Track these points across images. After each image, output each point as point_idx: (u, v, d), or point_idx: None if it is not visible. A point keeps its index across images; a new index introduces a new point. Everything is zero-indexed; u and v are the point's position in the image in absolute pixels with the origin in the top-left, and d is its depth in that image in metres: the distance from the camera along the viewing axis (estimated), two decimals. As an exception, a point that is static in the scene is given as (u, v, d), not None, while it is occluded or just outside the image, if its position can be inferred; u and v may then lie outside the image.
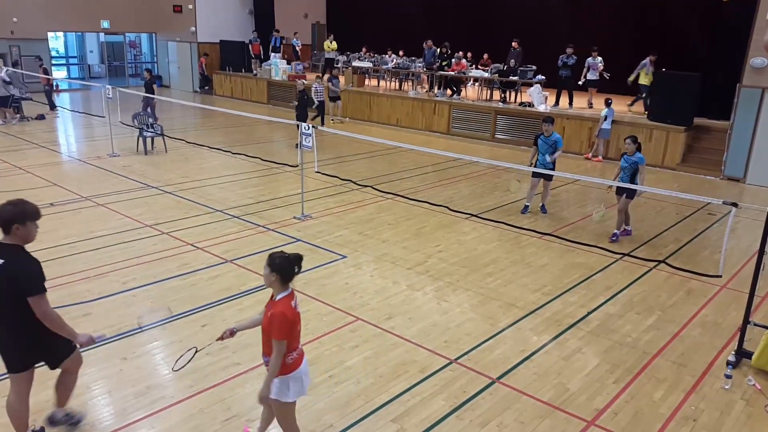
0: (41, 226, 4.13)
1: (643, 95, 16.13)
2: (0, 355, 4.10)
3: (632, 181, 8.77)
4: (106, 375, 5.20)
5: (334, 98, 18.77)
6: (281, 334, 3.70)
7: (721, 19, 15.49)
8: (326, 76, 19.43)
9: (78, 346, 4.17)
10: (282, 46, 24.33)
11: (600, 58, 16.26)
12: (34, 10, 23.69)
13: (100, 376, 5.17)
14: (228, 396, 4.96)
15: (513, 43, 18.35)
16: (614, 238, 8.95)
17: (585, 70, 16.44)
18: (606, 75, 16.37)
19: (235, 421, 4.65)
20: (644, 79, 16.00)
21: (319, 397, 4.95)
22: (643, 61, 15.99)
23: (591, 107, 16.57)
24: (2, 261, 3.85)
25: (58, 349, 4.19)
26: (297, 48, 25.06)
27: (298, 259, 3.86)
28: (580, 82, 16.65)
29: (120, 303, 6.53)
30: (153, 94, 16.09)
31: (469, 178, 12.82)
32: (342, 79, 20.14)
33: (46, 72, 19.64)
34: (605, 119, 14.44)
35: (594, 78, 16.41)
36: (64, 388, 4.46)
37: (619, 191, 9.00)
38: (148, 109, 16.17)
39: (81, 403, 4.79)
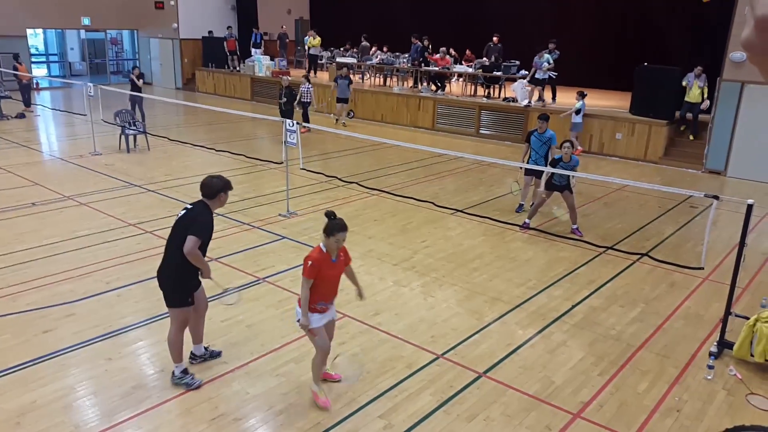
0: (24, 226, 4.11)
1: (687, 115, 14.38)
2: (163, 293, 4.94)
3: (568, 178, 8.82)
4: (92, 376, 5.16)
5: (342, 100, 17.57)
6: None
7: (700, 15, 15.66)
8: (321, 74, 18.96)
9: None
10: (263, 41, 24.12)
11: (547, 56, 15.74)
12: (12, 6, 23.28)
13: (86, 377, 5.14)
14: (215, 395, 4.95)
15: (494, 38, 18.39)
16: (579, 233, 9.00)
17: (532, 70, 15.96)
18: (553, 74, 16.01)
19: (222, 420, 4.64)
20: (690, 95, 14.10)
21: (307, 394, 4.95)
22: (688, 75, 14.13)
23: (542, 102, 16.21)
24: (191, 207, 4.90)
25: (190, 290, 4.98)
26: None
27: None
28: (525, 82, 16.32)
29: (104, 303, 6.48)
30: (136, 91, 15.97)
31: (454, 173, 12.86)
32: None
33: (28, 70, 19.36)
34: (578, 112, 14.38)
35: (541, 77, 15.94)
36: (196, 327, 5.26)
37: (550, 186, 9.01)
38: (137, 107, 16.09)
39: (66, 404, 4.77)
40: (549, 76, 15.98)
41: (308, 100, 16.65)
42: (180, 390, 4.98)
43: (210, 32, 24.61)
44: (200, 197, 4.91)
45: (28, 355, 5.43)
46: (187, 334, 5.17)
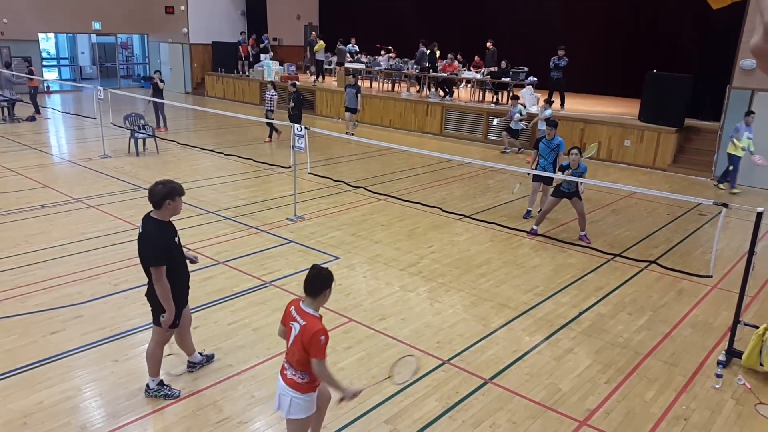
0: (33, 228, 4.13)
1: (730, 168, 12.63)
2: (151, 310, 4.75)
3: (576, 185, 8.78)
4: (98, 377, 5.18)
5: (350, 109, 16.76)
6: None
7: (711, 22, 15.59)
8: (312, 77, 18.94)
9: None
10: (271, 47, 24.30)
11: (520, 107, 15.18)
12: (24, 10, 23.54)
13: (92, 379, 5.15)
14: (220, 398, 4.95)
15: (488, 44, 18.39)
16: (587, 240, 8.97)
17: (507, 118, 15.38)
18: (525, 125, 15.28)
19: (228, 423, 4.64)
20: (732, 148, 12.45)
21: (312, 399, 4.94)
22: (737, 125, 12.46)
23: (517, 149, 15.72)
24: (142, 231, 4.53)
25: (178, 311, 4.73)
26: (354, 53, 23.23)
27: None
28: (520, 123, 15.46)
29: (111, 305, 6.51)
30: (159, 95, 16.24)
31: (461, 179, 12.85)
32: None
33: (32, 74, 19.55)
34: (547, 120, 14.07)
35: (515, 127, 15.28)
36: (184, 342, 5.14)
37: (559, 193, 8.96)
38: (158, 112, 16.33)
39: (72, 405, 4.78)
40: (522, 127, 15.34)
41: (271, 108, 15.80)
42: (187, 392, 4.99)
43: (255, 35, 24.76)
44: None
45: (36, 356, 5.46)
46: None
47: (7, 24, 23.26)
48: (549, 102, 14.20)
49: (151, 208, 4.59)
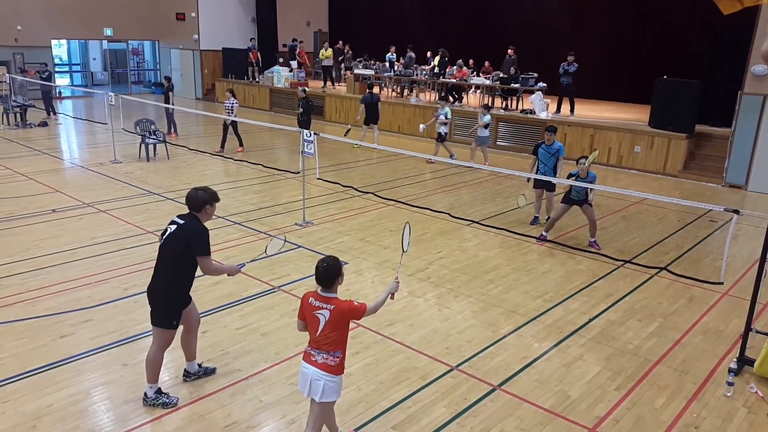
0: (44, 232, 4.15)
1: None
2: (151, 310, 4.79)
3: (586, 192, 8.70)
4: (107, 381, 5.19)
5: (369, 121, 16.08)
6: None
7: (721, 27, 15.51)
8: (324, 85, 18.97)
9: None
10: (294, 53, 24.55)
11: (447, 109, 14.53)
12: (37, 17, 23.82)
13: (101, 382, 5.17)
14: (229, 402, 4.95)
15: (509, 51, 18.40)
16: (597, 246, 8.93)
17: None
18: (444, 131, 14.49)
19: (236, 427, 4.64)
20: None
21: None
22: None
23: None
24: (182, 222, 4.70)
25: (179, 310, 4.88)
26: (393, 62, 22.44)
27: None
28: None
29: (121, 309, 6.54)
30: (169, 102, 16.37)
31: (470, 185, 12.83)
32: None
33: (49, 78, 19.73)
34: (486, 126, 13.71)
35: (439, 131, 14.47)
36: (188, 344, 5.14)
37: (568, 200, 8.88)
38: (170, 120, 16.46)
39: (81, 409, 4.80)
40: (446, 131, 14.71)
41: (233, 119, 14.72)
42: (195, 396, 4.99)
43: (294, 39, 24.84)
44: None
45: (46, 360, 5.49)
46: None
47: (21, 31, 23.54)
48: (487, 107, 14.10)
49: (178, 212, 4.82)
